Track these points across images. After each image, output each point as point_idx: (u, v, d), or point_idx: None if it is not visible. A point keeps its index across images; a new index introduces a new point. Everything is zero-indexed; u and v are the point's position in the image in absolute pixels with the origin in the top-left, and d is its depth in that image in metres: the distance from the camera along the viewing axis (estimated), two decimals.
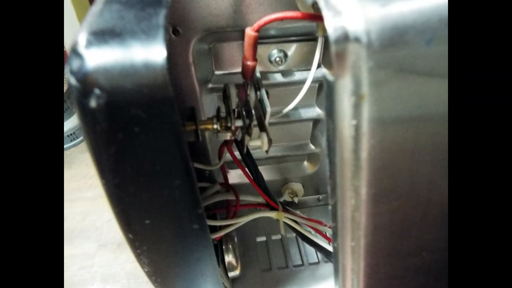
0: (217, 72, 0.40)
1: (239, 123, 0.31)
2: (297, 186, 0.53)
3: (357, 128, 0.19)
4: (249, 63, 0.29)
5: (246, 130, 0.31)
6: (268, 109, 0.29)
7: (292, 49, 0.39)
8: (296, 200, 0.53)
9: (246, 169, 0.40)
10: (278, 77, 0.41)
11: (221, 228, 0.41)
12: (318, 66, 0.39)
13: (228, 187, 0.43)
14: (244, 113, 0.32)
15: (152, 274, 0.28)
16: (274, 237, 0.53)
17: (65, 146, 1.12)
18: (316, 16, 0.24)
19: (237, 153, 0.38)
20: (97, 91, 0.18)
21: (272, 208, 0.43)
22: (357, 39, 0.17)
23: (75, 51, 0.18)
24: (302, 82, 0.36)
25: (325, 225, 0.45)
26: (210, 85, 0.40)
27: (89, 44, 0.19)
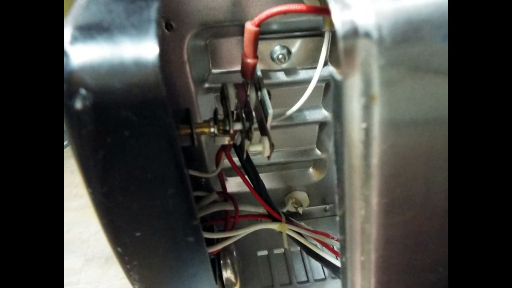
0: (214, 71, 0.40)
1: (238, 126, 0.31)
2: (302, 195, 0.53)
3: (367, 131, 0.19)
4: (249, 60, 0.29)
5: (246, 134, 0.31)
6: (270, 111, 0.29)
7: (296, 45, 0.39)
8: (300, 210, 0.53)
9: (246, 176, 0.40)
10: (281, 76, 0.41)
11: (218, 241, 0.41)
12: (325, 64, 0.39)
13: (227, 197, 0.42)
14: (243, 115, 0.31)
15: None
16: (276, 251, 0.53)
17: None
18: (322, 9, 0.24)
19: (236, 159, 0.38)
20: (82, 91, 0.18)
21: (275, 219, 0.43)
22: (367, 35, 0.17)
23: None
24: (307, 82, 0.36)
25: (332, 238, 0.45)
26: (206, 85, 0.40)
27: (74, 40, 0.19)
